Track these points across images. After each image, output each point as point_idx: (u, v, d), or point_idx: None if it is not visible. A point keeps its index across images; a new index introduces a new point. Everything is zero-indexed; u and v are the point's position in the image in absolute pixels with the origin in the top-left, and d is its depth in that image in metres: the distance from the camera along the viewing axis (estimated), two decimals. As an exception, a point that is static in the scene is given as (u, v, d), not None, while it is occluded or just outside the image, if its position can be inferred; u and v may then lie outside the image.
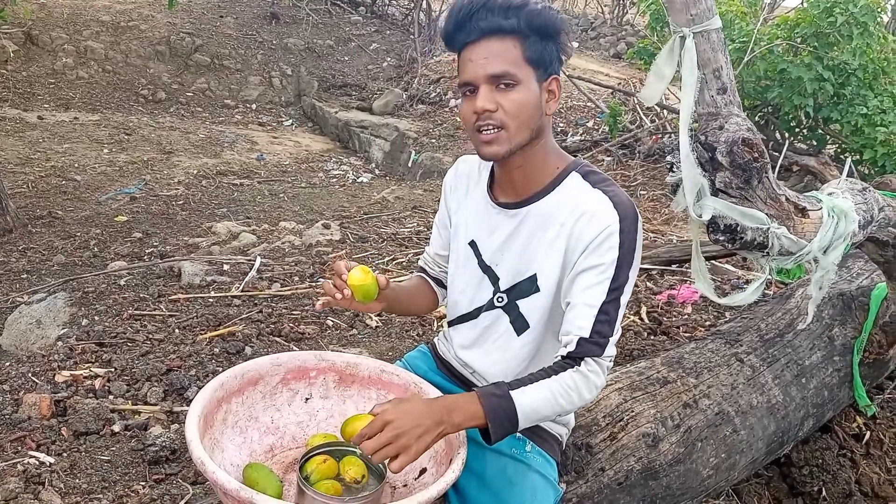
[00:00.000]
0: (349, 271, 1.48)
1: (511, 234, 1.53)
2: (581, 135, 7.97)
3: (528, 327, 1.54)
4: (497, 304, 1.57)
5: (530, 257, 1.50)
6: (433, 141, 8.27)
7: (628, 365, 2.21)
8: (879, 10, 5.73)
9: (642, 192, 6.39)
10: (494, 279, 1.57)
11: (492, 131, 1.40)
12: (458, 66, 1.46)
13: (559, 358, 1.43)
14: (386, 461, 1.28)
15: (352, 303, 1.49)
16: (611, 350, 1.43)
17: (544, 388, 1.37)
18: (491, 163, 1.57)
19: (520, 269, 1.52)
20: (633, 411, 1.94)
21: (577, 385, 1.40)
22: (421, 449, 1.28)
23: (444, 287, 1.78)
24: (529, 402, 1.36)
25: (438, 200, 1.76)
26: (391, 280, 1.58)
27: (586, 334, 1.40)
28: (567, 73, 7.80)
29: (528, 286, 1.51)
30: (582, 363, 1.41)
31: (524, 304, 1.53)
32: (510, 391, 1.36)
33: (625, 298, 1.43)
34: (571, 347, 1.41)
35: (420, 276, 1.81)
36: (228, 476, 1.21)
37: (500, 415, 1.34)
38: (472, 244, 1.60)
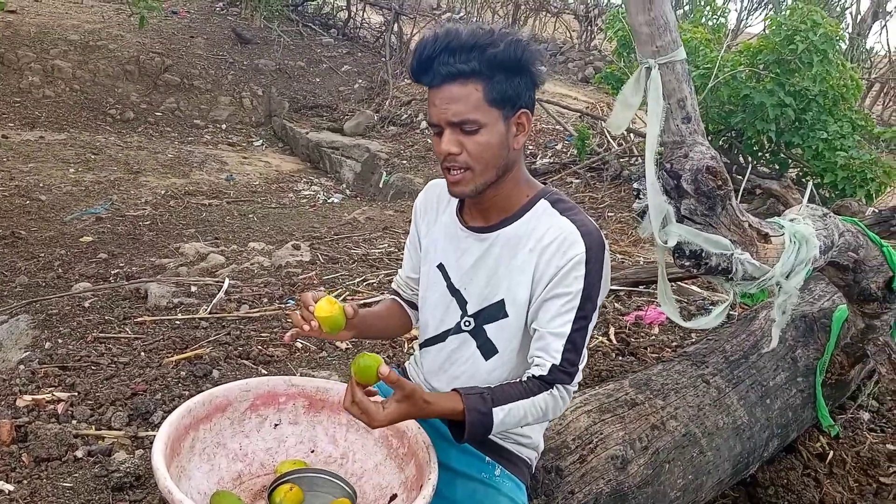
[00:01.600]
0: (316, 302, 1.47)
1: (480, 258, 1.54)
2: (550, 157, 8.06)
3: (497, 352, 1.55)
4: (464, 328, 1.57)
5: (498, 282, 1.52)
6: (404, 162, 8.30)
7: (597, 387, 2.23)
8: (838, 38, 5.91)
9: (610, 215, 6.46)
10: (462, 303, 1.58)
11: (458, 173, 1.42)
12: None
13: (531, 376, 1.45)
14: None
15: (320, 333, 1.48)
16: (578, 377, 1.48)
17: (520, 408, 1.42)
18: None
19: (488, 293, 1.53)
20: (602, 434, 1.95)
21: (548, 407, 1.45)
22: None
23: (416, 309, 1.78)
24: (503, 419, 1.41)
25: (409, 221, 1.77)
26: (363, 304, 1.58)
27: (557, 362, 1.43)
28: (536, 98, 7.91)
29: (496, 311, 1.53)
30: (554, 388, 1.45)
31: (492, 329, 1.54)
32: (493, 408, 1.39)
33: (591, 325, 1.47)
34: (544, 372, 1.44)
35: (393, 299, 1.81)
36: None
37: (477, 429, 1.39)
38: (441, 267, 1.61)
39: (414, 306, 1.79)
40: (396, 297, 1.81)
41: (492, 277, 1.52)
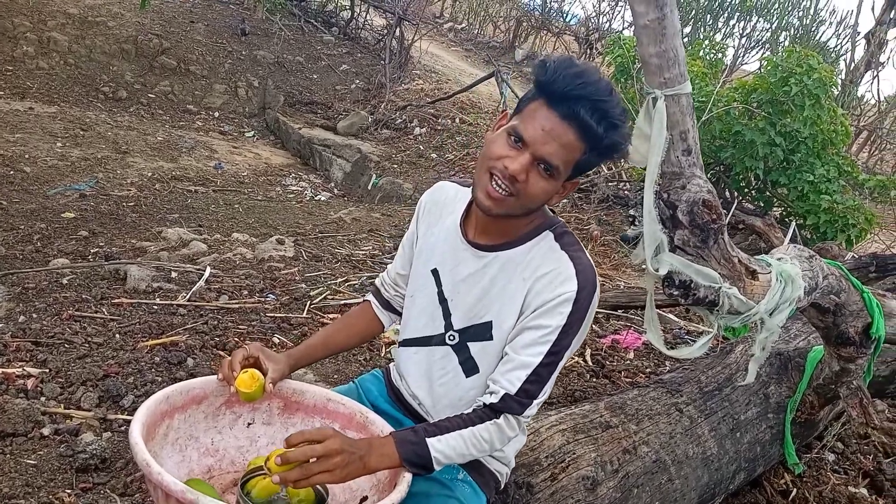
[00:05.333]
0: (241, 371, 1.53)
1: (474, 273, 1.54)
2: (540, 175, 8.08)
3: (479, 372, 1.55)
4: (448, 341, 1.58)
5: (489, 303, 1.52)
6: (395, 166, 8.30)
7: (573, 406, 2.25)
8: (831, 84, 6.02)
9: (595, 233, 6.50)
10: (447, 313, 1.58)
11: (503, 192, 1.39)
12: (525, 107, 1.40)
13: (481, 404, 1.46)
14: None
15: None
16: (532, 410, 1.47)
17: (459, 438, 1.42)
18: (470, 196, 1.57)
19: (477, 311, 1.53)
20: (574, 453, 1.97)
21: (492, 437, 1.45)
22: (335, 481, 1.32)
23: (394, 312, 1.79)
24: (443, 449, 1.40)
25: (395, 225, 1.78)
26: (344, 304, 1.59)
27: (513, 391, 1.44)
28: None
29: (482, 331, 1.53)
30: (501, 417, 1.45)
31: (475, 348, 1.54)
32: (426, 438, 1.39)
33: (562, 363, 1.46)
34: (495, 400, 1.44)
35: (364, 305, 1.83)
36: (174, 479, 1.20)
37: (414, 460, 1.38)
38: (435, 272, 1.60)
39: (390, 307, 1.79)
40: (372, 299, 1.81)
41: (483, 297, 1.52)
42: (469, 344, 1.55)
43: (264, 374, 1.55)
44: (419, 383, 1.66)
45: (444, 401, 1.61)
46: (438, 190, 1.69)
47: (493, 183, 1.39)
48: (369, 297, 1.83)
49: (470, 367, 1.56)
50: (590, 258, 1.48)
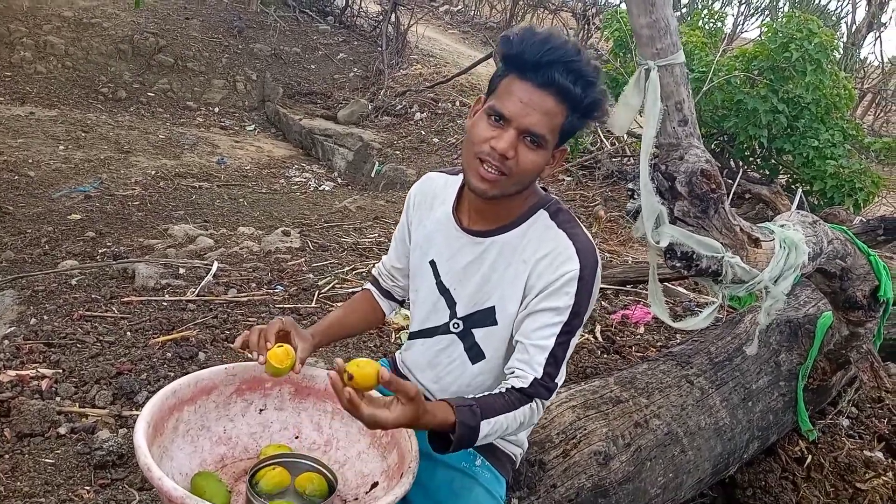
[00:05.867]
0: (275, 346, 1.48)
1: (473, 261, 1.53)
2: (543, 154, 8.04)
3: (485, 357, 1.56)
4: (453, 329, 1.58)
5: (490, 288, 1.51)
6: (397, 153, 8.29)
7: (583, 383, 2.25)
8: (832, 47, 5.96)
9: (600, 214, 6.48)
10: (451, 303, 1.58)
11: (495, 173, 1.37)
12: (498, 84, 1.39)
13: (510, 386, 1.44)
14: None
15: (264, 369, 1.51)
16: (554, 396, 1.48)
17: (505, 420, 1.41)
18: (459, 184, 1.57)
19: (479, 298, 1.53)
20: (585, 429, 1.97)
21: (525, 419, 1.45)
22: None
23: (394, 300, 1.80)
24: (487, 433, 1.38)
25: (400, 212, 1.77)
26: (351, 292, 1.59)
27: (539, 376, 1.43)
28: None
29: (486, 317, 1.53)
30: (533, 401, 1.45)
31: (480, 334, 1.55)
32: (481, 422, 1.36)
33: (574, 340, 1.46)
34: (525, 385, 1.43)
35: (365, 292, 1.82)
36: (175, 484, 1.20)
37: (463, 441, 1.36)
38: (432, 264, 1.60)
39: (389, 296, 1.80)
40: (372, 288, 1.81)
41: (484, 283, 1.52)
42: (473, 330, 1.55)
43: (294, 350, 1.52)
44: (426, 374, 1.66)
45: (452, 388, 1.62)
46: (426, 181, 1.68)
47: (485, 166, 1.38)
48: (368, 285, 1.83)
49: (475, 353, 1.56)
50: (587, 233, 1.47)
